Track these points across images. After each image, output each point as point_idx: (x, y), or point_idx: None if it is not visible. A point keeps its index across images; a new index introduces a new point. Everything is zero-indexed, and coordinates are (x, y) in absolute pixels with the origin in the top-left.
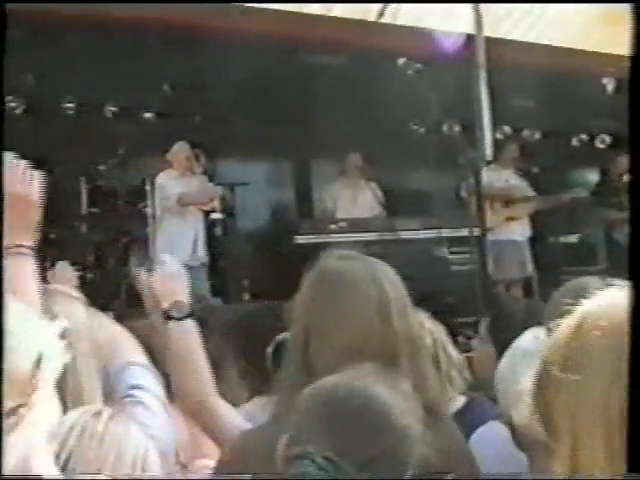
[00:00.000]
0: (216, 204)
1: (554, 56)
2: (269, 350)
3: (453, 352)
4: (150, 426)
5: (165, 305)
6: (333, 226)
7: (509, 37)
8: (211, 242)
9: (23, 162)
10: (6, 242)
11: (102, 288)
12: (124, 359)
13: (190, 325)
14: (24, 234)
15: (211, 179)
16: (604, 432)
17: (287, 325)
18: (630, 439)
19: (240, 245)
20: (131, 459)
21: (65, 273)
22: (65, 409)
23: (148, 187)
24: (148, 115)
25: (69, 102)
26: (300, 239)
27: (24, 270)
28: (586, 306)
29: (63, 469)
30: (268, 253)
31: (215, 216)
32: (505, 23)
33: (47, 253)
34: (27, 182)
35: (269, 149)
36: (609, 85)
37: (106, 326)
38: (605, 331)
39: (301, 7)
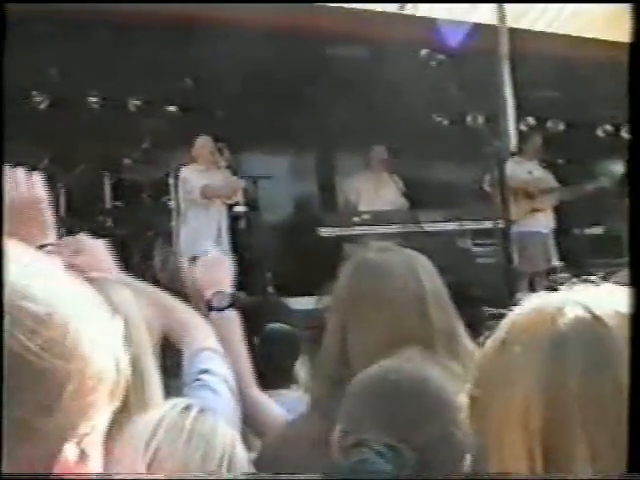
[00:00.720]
0: (239, 197)
1: (577, 46)
2: (257, 339)
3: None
4: (216, 410)
5: (207, 295)
6: (356, 219)
7: (532, 28)
8: (234, 235)
9: (19, 169)
10: (32, 246)
11: None
12: (198, 345)
13: (231, 315)
14: (45, 234)
15: (235, 173)
16: (526, 442)
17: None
18: (630, 439)
19: (263, 238)
20: (219, 456)
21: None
22: (127, 407)
23: (172, 181)
24: (171, 109)
25: (93, 96)
26: (323, 232)
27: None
28: (511, 316)
29: (149, 465)
30: (291, 246)
31: (238, 209)
32: (529, 13)
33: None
34: (30, 185)
35: (292, 142)
36: None
37: (181, 310)
38: (525, 344)
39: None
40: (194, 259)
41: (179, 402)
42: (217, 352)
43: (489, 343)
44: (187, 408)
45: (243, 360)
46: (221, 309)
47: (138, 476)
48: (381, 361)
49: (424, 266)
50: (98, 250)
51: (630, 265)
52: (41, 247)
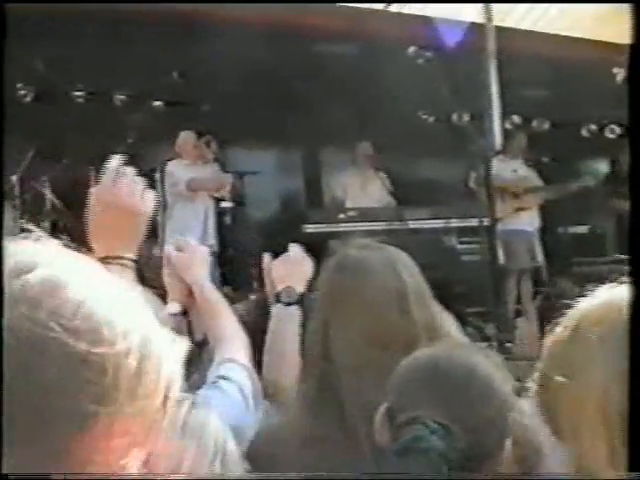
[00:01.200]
0: (226, 192)
1: (564, 46)
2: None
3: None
4: (220, 410)
5: (278, 288)
6: (342, 215)
7: (519, 26)
8: (220, 230)
9: (133, 172)
10: (108, 252)
11: None
12: (228, 355)
13: (294, 312)
14: (129, 247)
15: (223, 166)
16: (605, 433)
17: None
18: (630, 439)
19: (249, 234)
20: (212, 450)
21: None
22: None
23: (158, 175)
24: (157, 103)
25: (79, 90)
26: (309, 228)
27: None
28: (581, 307)
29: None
30: (277, 242)
31: (225, 204)
32: (515, 12)
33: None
34: (140, 196)
35: (279, 138)
36: (619, 75)
37: (225, 318)
38: (601, 334)
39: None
40: (273, 253)
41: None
42: (242, 366)
43: (559, 331)
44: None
45: (294, 356)
46: (287, 304)
47: (141, 476)
48: (425, 348)
49: (405, 263)
50: (195, 252)
51: (630, 265)
52: (118, 258)
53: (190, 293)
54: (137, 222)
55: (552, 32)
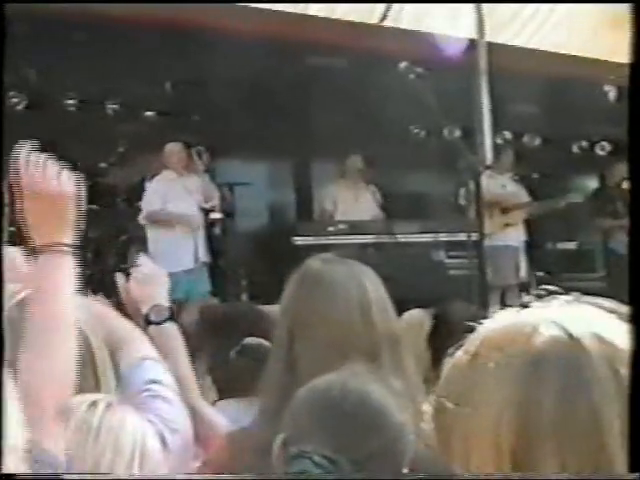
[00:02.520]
0: (216, 204)
1: (556, 63)
2: (232, 353)
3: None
4: (170, 420)
5: (144, 309)
6: (332, 228)
7: (511, 43)
8: (210, 242)
9: (44, 156)
10: (44, 240)
11: (100, 286)
12: (139, 354)
13: (171, 329)
14: (63, 232)
15: (212, 178)
16: (495, 460)
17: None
18: (630, 439)
19: (239, 245)
20: (129, 450)
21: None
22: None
23: (147, 184)
24: (149, 113)
25: (71, 99)
26: (299, 241)
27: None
28: (483, 330)
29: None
30: (266, 254)
31: (214, 216)
32: (507, 29)
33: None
34: (60, 179)
35: (270, 150)
36: (611, 93)
37: (117, 320)
38: (499, 361)
39: (305, 8)
40: (126, 271)
41: (85, 399)
42: (157, 360)
43: (459, 355)
44: (94, 404)
45: (187, 372)
46: (159, 323)
47: (137, 476)
48: (325, 375)
49: (368, 275)
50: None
51: (630, 274)
52: (56, 244)
53: None
54: (62, 206)
55: (544, 49)
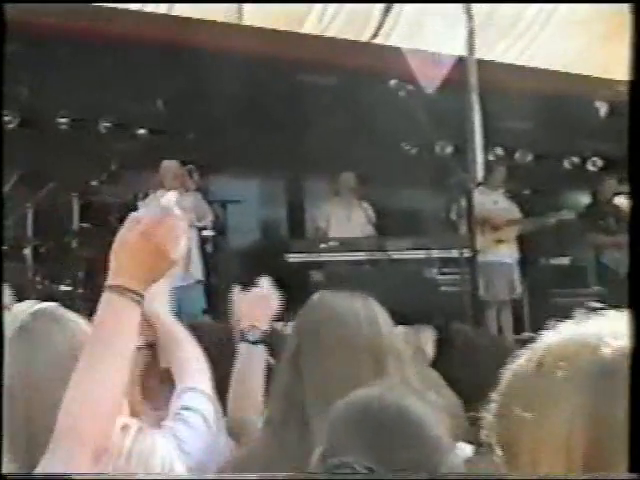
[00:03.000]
0: (208, 221)
1: (547, 79)
2: None
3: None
4: (187, 442)
5: (243, 326)
6: (324, 245)
7: (502, 60)
8: (202, 259)
9: (181, 215)
10: (124, 283)
11: (93, 304)
12: (190, 384)
13: (259, 351)
14: (144, 284)
15: (205, 195)
16: (565, 468)
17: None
18: (630, 439)
19: (231, 263)
20: (158, 473)
21: None
22: None
23: (140, 203)
24: (142, 131)
25: (63, 117)
26: (291, 258)
27: (126, 315)
28: (547, 340)
29: None
30: (259, 271)
31: (206, 233)
32: (498, 46)
33: (37, 267)
34: (178, 241)
35: (262, 167)
36: (602, 108)
37: (186, 346)
38: (567, 371)
39: (298, 25)
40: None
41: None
42: (204, 394)
43: (522, 364)
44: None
45: (257, 395)
46: (252, 342)
47: (137, 476)
48: (361, 389)
49: (379, 310)
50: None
51: (630, 280)
52: (131, 292)
53: (150, 324)
54: (164, 265)
55: (535, 65)
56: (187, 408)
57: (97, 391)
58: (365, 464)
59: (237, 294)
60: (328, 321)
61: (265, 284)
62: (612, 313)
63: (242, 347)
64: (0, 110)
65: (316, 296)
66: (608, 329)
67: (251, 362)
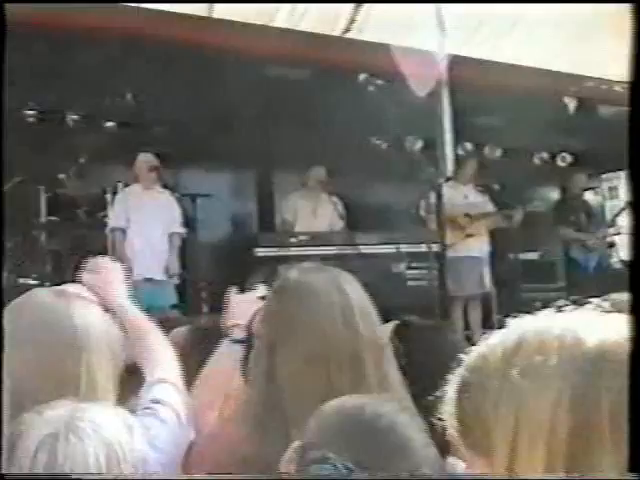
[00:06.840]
0: (178, 227)
1: (516, 75)
2: None
3: None
4: (156, 437)
5: (228, 323)
6: (293, 239)
7: (472, 55)
8: (178, 257)
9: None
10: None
11: None
12: (159, 375)
13: (236, 351)
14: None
15: (172, 190)
16: (546, 460)
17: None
18: (630, 439)
19: (200, 257)
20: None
21: None
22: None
23: (109, 196)
24: (110, 124)
25: (31, 109)
26: (260, 252)
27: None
28: (519, 330)
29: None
30: (228, 265)
31: (175, 230)
32: (469, 42)
33: (4, 261)
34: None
35: (232, 161)
36: (571, 104)
37: (155, 340)
38: (547, 363)
39: (269, 20)
40: (242, 289)
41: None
42: (174, 385)
43: (488, 350)
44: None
45: (221, 392)
46: (234, 341)
47: (136, 476)
48: (354, 396)
49: (349, 280)
50: (110, 272)
51: (630, 280)
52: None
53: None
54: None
55: (505, 61)
56: (157, 401)
57: None
58: (346, 463)
59: (233, 295)
60: (301, 306)
61: (261, 289)
62: (584, 307)
63: (223, 343)
64: (0, 110)
65: (282, 280)
66: (586, 321)
67: (225, 359)
